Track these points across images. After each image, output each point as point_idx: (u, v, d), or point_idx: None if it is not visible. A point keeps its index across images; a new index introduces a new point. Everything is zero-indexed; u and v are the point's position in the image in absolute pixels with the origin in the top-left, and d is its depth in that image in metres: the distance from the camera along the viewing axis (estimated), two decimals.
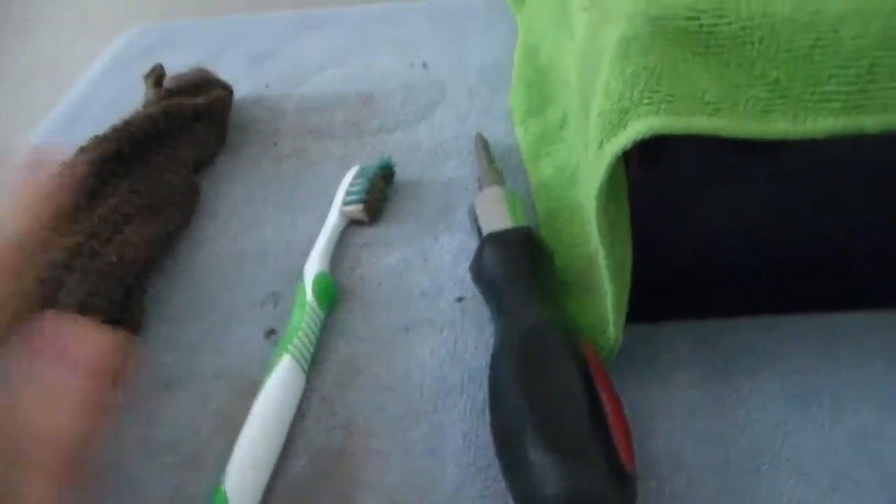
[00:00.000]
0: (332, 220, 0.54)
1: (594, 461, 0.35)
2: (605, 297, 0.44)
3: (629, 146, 0.35)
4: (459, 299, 0.49)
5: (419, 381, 0.44)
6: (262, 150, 0.63)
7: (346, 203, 0.54)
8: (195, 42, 0.81)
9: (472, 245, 0.51)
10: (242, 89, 0.71)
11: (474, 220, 0.49)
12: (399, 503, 0.39)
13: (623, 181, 0.39)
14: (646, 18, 0.36)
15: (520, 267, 0.45)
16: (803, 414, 0.41)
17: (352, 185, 0.55)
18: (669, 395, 0.43)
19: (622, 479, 0.35)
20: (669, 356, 0.44)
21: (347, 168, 0.59)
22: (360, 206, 0.54)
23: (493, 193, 0.50)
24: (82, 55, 1.00)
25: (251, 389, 0.45)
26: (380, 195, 0.55)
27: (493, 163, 0.54)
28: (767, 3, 0.36)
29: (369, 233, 0.54)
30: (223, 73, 0.72)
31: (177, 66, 0.72)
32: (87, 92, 0.76)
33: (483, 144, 0.55)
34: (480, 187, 0.52)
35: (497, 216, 0.48)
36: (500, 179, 0.52)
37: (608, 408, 0.37)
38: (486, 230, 0.48)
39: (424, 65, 0.70)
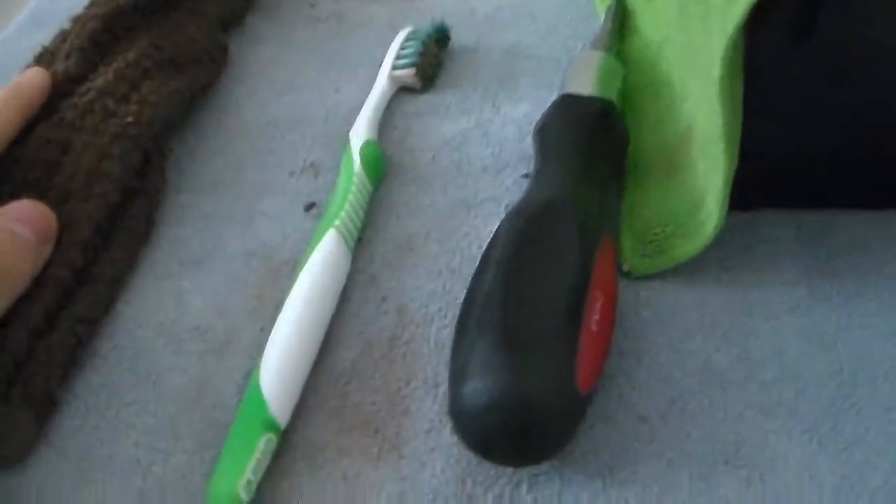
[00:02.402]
0: (381, 85, 0.47)
1: (537, 362, 0.29)
2: (700, 177, 0.38)
3: None
4: (526, 176, 0.42)
5: None
6: (296, 12, 0.57)
7: (396, 67, 0.48)
8: None
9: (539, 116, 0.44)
10: None
11: (564, 78, 0.43)
12: None
13: (742, 43, 0.33)
14: None
15: (577, 138, 0.40)
16: None
17: (402, 48, 0.49)
18: (769, 289, 0.37)
19: (565, 394, 0.29)
20: (768, 248, 0.39)
21: (394, 32, 0.52)
22: (411, 71, 0.47)
23: (590, 57, 0.43)
24: None
25: (288, 269, 0.39)
26: (433, 60, 0.49)
27: (614, 30, 0.47)
28: None
29: (421, 100, 0.48)
30: None
31: None
32: None
33: (617, 10, 0.48)
34: (593, 47, 0.45)
35: (582, 80, 0.42)
36: (608, 46, 0.45)
37: (593, 318, 0.31)
38: (564, 90, 0.42)
39: None
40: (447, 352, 0.34)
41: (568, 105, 0.41)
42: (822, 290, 0.37)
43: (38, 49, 0.49)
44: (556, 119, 0.41)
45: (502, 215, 0.40)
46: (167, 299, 0.39)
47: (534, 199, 0.36)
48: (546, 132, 0.40)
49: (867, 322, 0.36)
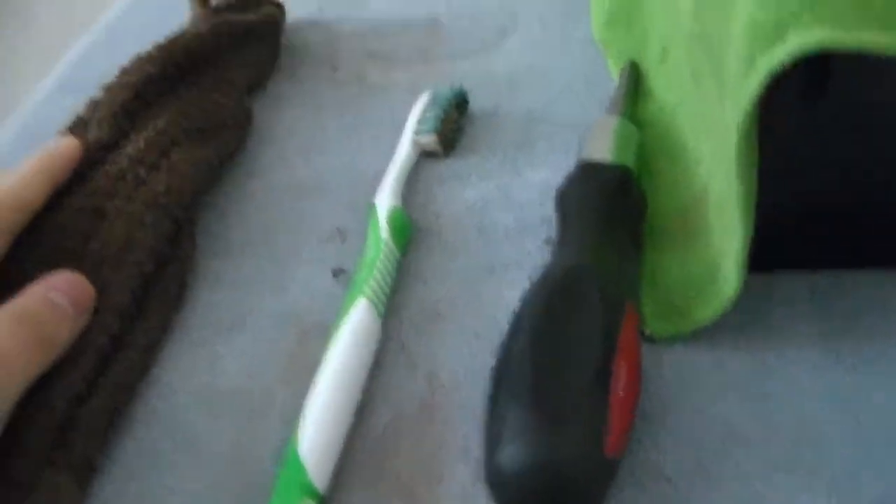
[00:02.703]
0: (404, 150, 0.49)
1: (568, 430, 0.31)
2: (716, 241, 0.39)
3: (787, 61, 0.30)
4: (548, 241, 0.44)
5: None
6: (319, 75, 0.59)
7: (418, 133, 0.49)
8: None
9: (559, 182, 0.46)
10: (293, 11, 0.66)
11: (581, 144, 0.45)
12: None
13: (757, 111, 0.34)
14: None
15: (597, 205, 0.41)
16: None
17: (423, 113, 0.50)
18: (787, 352, 0.38)
19: (595, 460, 0.31)
20: (784, 311, 0.40)
21: (414, 95, 0.54)
22: (434, 137, 0.49)
23: (607, 123, 0.45)
24: None
25: (319, 333, 0.40)
26: (454, 126, 0.50)
27: (629, 94, 0.48)
28: None
29: (443, 166, 0.49)
30: None
31: None
32: (126, 10, 0.71)
33: (629, 74, 0.50)
34: (608, 113, 0.47)
35: (600, 146, 0.44)
36: (623, 111, 0.46)
37: (620, 384, 0.33)
38: (583, 157, 0.43)
39: None
40: (478, 417, 0.36)
41: (587, 173, 0.42)
42: (838, 352, 0.38)
43: (66, 114, 0.51)
44: (576, 187, 0.42)
45: (526, 281, 0.41)
46: (202, 364, 0.41)
47: (557, 267, 0.37)
48: (566, 200, 0.42)
49: (885, 382, 0.37)
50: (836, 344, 0.38)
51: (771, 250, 0.38)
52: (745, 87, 0.31)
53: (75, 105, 0.51)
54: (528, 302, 0.35)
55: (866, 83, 0.35)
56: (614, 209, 0.41)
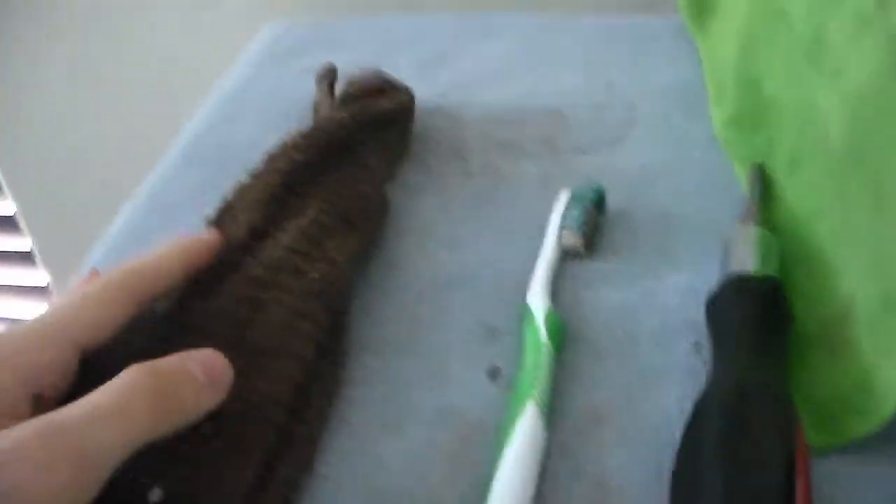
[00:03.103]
0: (549, 250, 0.50)
1: None
2: (866, 356, 0.40)
3: None
4: (696, 345, 0.45)
5: (672, 436, 0.41)
6: (449, 164, 0.60)
7: (562, 232, 0.51)
8: (349, 42, 0.78)
9: (700, 286, 0.47)
10: (416, 94, 0.68)
11: (724, 255, 0.46)
12: None
13: None
14: None
15: (753, 319, 0.42)
16: None
17: (566, 212, 0.52)
18: None
19: None
20: None
21: (545, 189, 0.56)
22: (579, 237, 0.50)
23: (748, 233, 0.46)
24: (206, 51, 0.97)
25: (479, 435, 0.42)
26: (594, 225, 0.52)
27: (761, 200, 0.50)
28: None
29: (585, 266, 0.51)
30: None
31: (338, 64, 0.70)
32: (238, 89, 0.73)
33: (758, 178, 0.51)
34: (743, 223, 0.48)
35: (745, 258, 0.45)
36: (760, 220, 0.48)
37: (800, 498, 0.34)
38: (731, 269, 0.45)
39: (609, 84, 0.67)
40: None
41: (739, 285, 0.44)
42: None
43: (194, 185, 0.52)
44: (730, 299, 0.43)
45: (679, 386, 0.43)
46: (365, 462, 0.42)
47: (727, 388, 0.38)
48: (720, 312, 0.43)
49: None
50: None
51: None
52: None
53: (199, 176, 0.53)
54: (707, 416, 0.37)
55: None
56: (769, 322, 0.42)
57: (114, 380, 0.35)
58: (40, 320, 0.40)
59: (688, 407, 0.41)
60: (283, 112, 0.67)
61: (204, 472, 0.39)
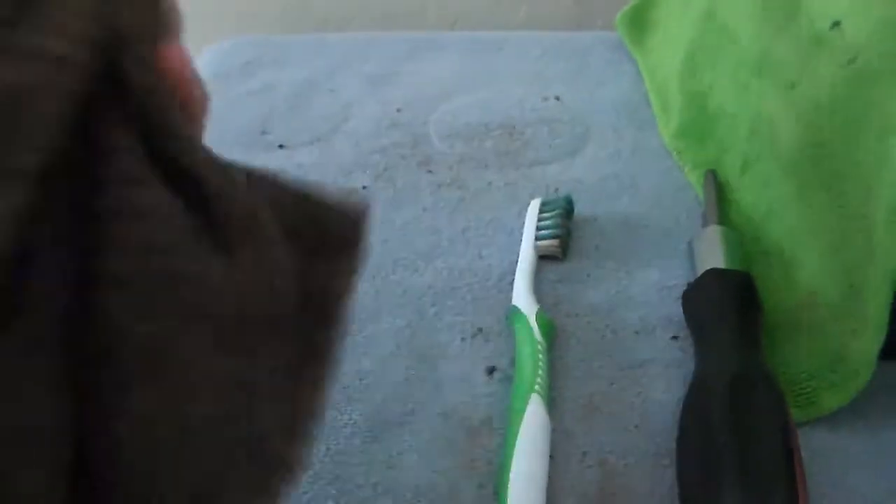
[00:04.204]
0: (528, 255, 0.54)
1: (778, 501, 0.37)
2: (834, 338, 0.45)
3: None
4: (674, 338, 0.49)
5: (662, 420, 0.45)
6: (417, 179, 0.64)
7: (539, 238, 0.55)
8: (301, 59, 0.81)
9: (671, 283, 0.52)
10: (371, 111, 0.71)
11: (691, 254, 0.51)
12: None
13: None
14: None
15: (733, 310, 0.47)
16: None
17: (539, 220, 0.56)
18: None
19: None
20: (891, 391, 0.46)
21: (511, 199, 0.60)
22: (555, 242, 0.54)
23: (714, 232, 0.51)
24: None
25: (488, 429, 0.45)
26: (567, 230, 0.56)
27: (720, 201, 0.54)
28: None
29: (561, 269, 0.55)
30: (343, 93, 0.73)
31: (286, 83, 0.74)
32: None
33: (713, 183, 0.56)
34: (704, 224, 0.53)
35: (714, 254, 0.49)
36: (720, 220, 0.53)
37: (798, 461, 0.39)
38: (702, 267, 0.49)
39: (557, 98, 0.71)
40: (657, 497, 0.41)
41: (716, 279, 0.48)
42: None
43: None
44: (708, 292, 0.48)
45: (664, 375, 0.47)
46: (377, 460, 0.45)
47: (722, 374, 0.43)
48: (701, 304, 0.48)
49: None
50: None
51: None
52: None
53: None
54: (708, 406, 0.41)
55: None
56: (747, 312, 0.47)
57: None
58: None
59: (674, 394, 0.46)
60: (233, 132, 0.69)
61: None
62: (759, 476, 0.37)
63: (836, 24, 0.45)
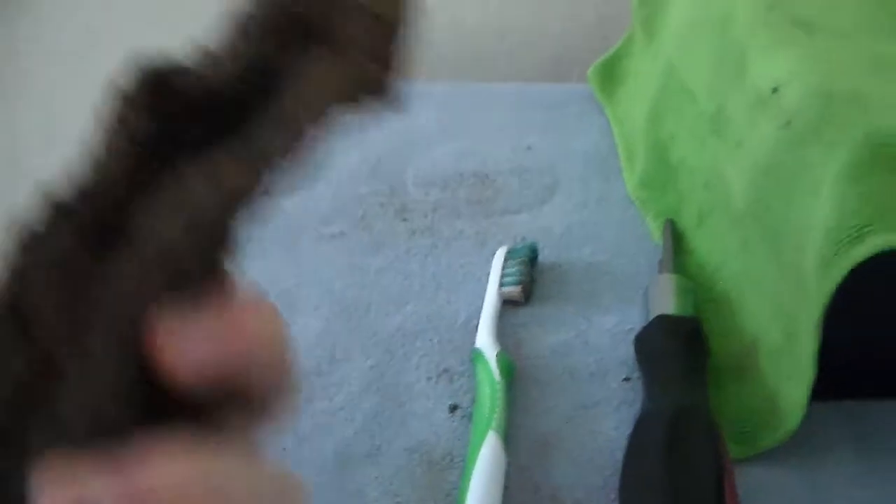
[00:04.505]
0: (492, 300, 0.57)
1: None
2: (772, 382, 0.48)
3: (865, 259, 0.39)
4: (626, 379, 0.52)
5: (611, 456, 0.48)
6: (392, 226, 0.67)
7: (503, 285, 0.58)
8: None
9: (627, 328, 0.55)
10: (352, 159, 0.74)
11: (646, 300, 0.54)
12: None
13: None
14: (871, 144, 0.41)
15: (679, 352, 0.50)
16: None
17: (505, 266, 0.59)
18: (831, 469, 0.48)
19: None
20: (825, 434, 0.49)
21: (481, 247, 0.63)
22: (518, 289, 0.57)
23: (667, 280, 0.54)
24: None
25: (447, 462, 0.48)
26: (531, 277, 0.59)
27: (675, 252, 0.58)
28: None
29: (523, 313, 0.58)
30: (327, 141, 0.75)
31: None
32: None
33: (670, 232, 0.59)
34: (660, 271, 0.56)
35: (666, 301, 0.53)
36: (675, 269, 0.56)
37: (730, 499, 0.42)
38: (654, 312, 0.52)
39: (529, 148, 0.75)
40: None
41: (665, 325, 0.51)
42: (876, 468, 0.47)
43: None
44: (658, 336, 0.51)
45: (616, 414, 0.50)
46: (344, 493, 0.48)
47: (663, 412, 0.46)
48: (650, 347, 0.51)
49: None
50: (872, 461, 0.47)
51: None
52: (829, 277, 0.41)
53: None
54: (647, 442, 0.44)
55: None
56: (693, 355, 0.50)
57: None
58: None
59: (623, 432, 0.49)
60: None
61: None
62: (691, 499, 0.40)
63: (776, 89, 0.49)
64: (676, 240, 0.61)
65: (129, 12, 0.97)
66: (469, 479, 0.46)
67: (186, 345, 0.19)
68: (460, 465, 0.48)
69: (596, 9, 0.91)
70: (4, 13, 0.93)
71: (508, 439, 0.49)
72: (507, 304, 0.59)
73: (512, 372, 0.52)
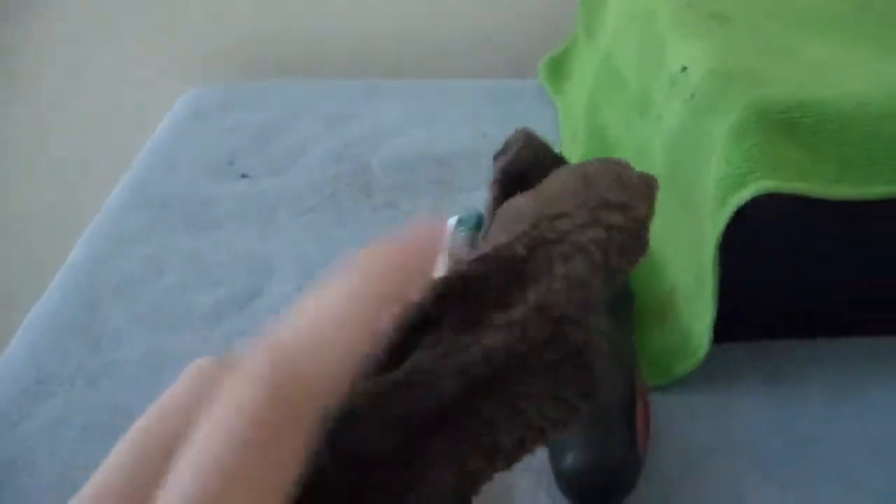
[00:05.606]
0: (442, 265, 0.65)
1: (615, 439, 0.47)
2: (685, 322, 0.56)
3: (747, 200, 0.47)
4: None
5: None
6: (358, 202, 0.75)
7: (452, 250, 0.66)
8: (267, 102, 0.92)
9: None
10: (324, 146, 0.82)
11: None
12: None
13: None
14: (755, 110, 0.49)
15: (609, 302, 0.58)
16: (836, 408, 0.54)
17: (454, 234, 0.67)
18: (735, 392, 0.56)
19: (633, 456, 0.47)
20: (733, 365, 0.57)
21: (439, 219, 0.71)
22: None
23: None
24: (130, 111, 1.09)
25: None
26: (478, 242, 0.67)
27: None
28: (839, 101, 0.50)
29: None
30: (302, 131, 0.85)
31: (253, 123, 0.85)
32: (170, 143, 0.86)
33: None
34: None
35: None
36: None
37: (639, 413, 0.49)
38: None
39: (484, 134, 0.83)
40: None
41: None
42: (777, 387, 0.55)
43: (136, 225, 0.65)
44: None
45: None
46: None
47: None
48: None
49: (809, 404, 0.54)
50: (775, 384, 0.55)
51: (723, 328, 0.56)
52: (720, 217, 0.49)
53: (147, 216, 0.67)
54: None
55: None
56: (620, 303, 0.57)
57: None
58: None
59: None
60: (204, 162, 0.81)
61: None
62: (604, 420, 0.48)
63: (685, 68, 0.57)
64: None
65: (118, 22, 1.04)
66: None
67: None
68: None
69: (547, 12, 1.00)
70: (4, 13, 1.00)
71: None
72: None
73: None
